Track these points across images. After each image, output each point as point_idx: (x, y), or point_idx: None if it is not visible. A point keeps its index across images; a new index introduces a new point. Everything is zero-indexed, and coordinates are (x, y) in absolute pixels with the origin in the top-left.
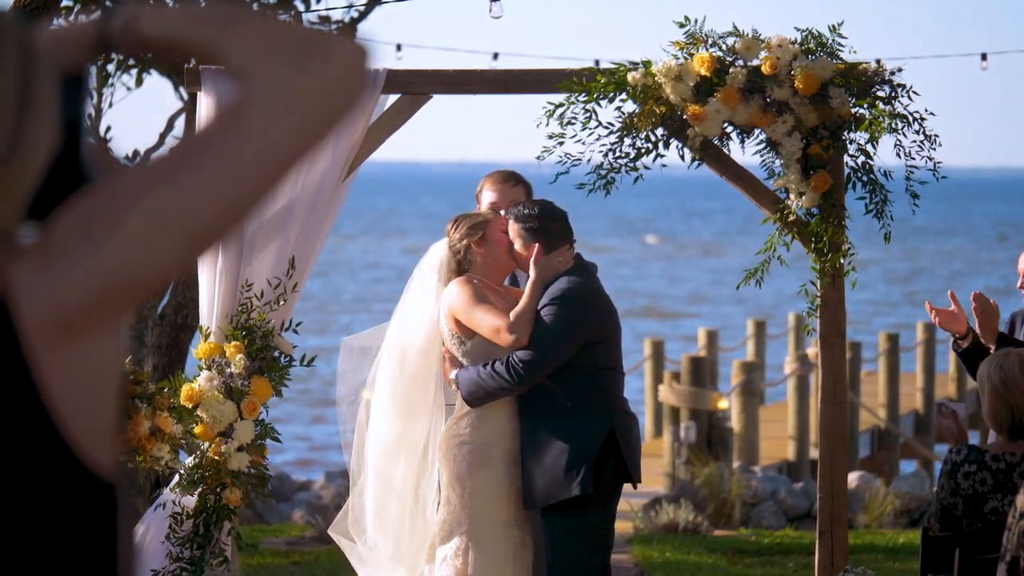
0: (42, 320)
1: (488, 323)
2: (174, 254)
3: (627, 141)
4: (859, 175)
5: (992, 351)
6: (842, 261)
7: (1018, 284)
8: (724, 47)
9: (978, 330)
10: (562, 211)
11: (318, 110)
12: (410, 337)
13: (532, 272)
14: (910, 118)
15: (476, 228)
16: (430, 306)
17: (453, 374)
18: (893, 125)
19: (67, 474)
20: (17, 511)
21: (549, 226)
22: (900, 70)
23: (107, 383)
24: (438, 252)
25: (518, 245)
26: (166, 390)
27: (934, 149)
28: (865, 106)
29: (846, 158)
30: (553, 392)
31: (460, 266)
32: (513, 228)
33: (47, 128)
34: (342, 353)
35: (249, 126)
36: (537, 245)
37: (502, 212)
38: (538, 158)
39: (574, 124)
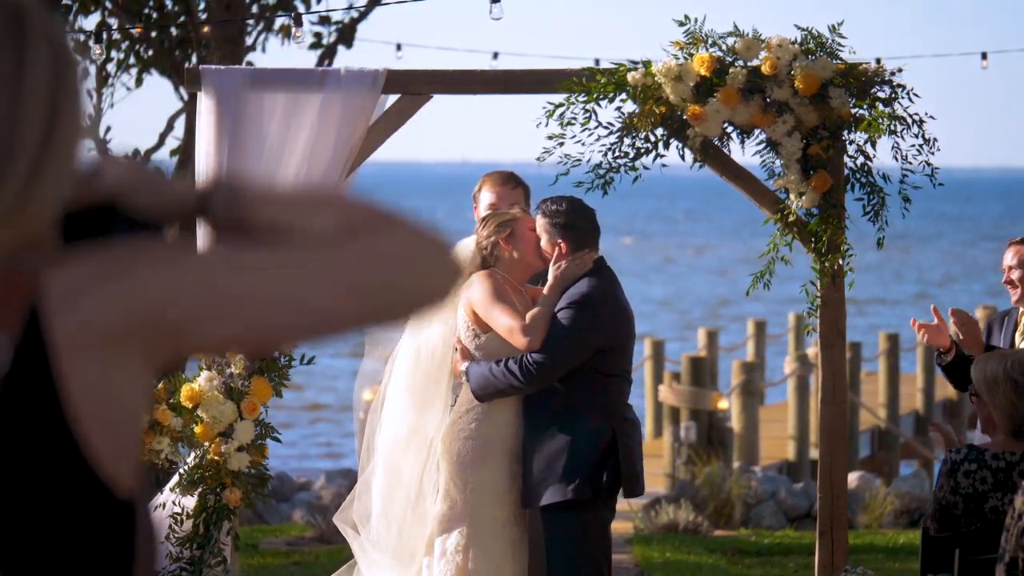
0: (73, 333)
1: (504, 322)
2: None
3: (627, 141)
4: (857, 176)
5: None
6: (841, 262)
7: (1003, 280)
8: (724, 47)
9: (963, 345)
10: (590, 208)
11: (377, 297)
12: (428, 330)
13: (551, 276)
14: (909, 120)
15: (504, 225)
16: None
17: (463, 366)
18: (892, 127)
19: (84, 490)
20: (31, 524)
21: (576, 222)
22: (900, 70)
23: (135, 402)
24: (464, 248)
25: (544, 241)
26: (161, 384)
27: (932, 153)
28: (865, 107)
29: (846, 159)
30: (558, 394)
31: (485, 262)
32: (540, 223)
33: (78, 129)
34: (366, 345)
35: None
36: (561, 244)
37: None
38: (538, 159)
39: (574, 124)
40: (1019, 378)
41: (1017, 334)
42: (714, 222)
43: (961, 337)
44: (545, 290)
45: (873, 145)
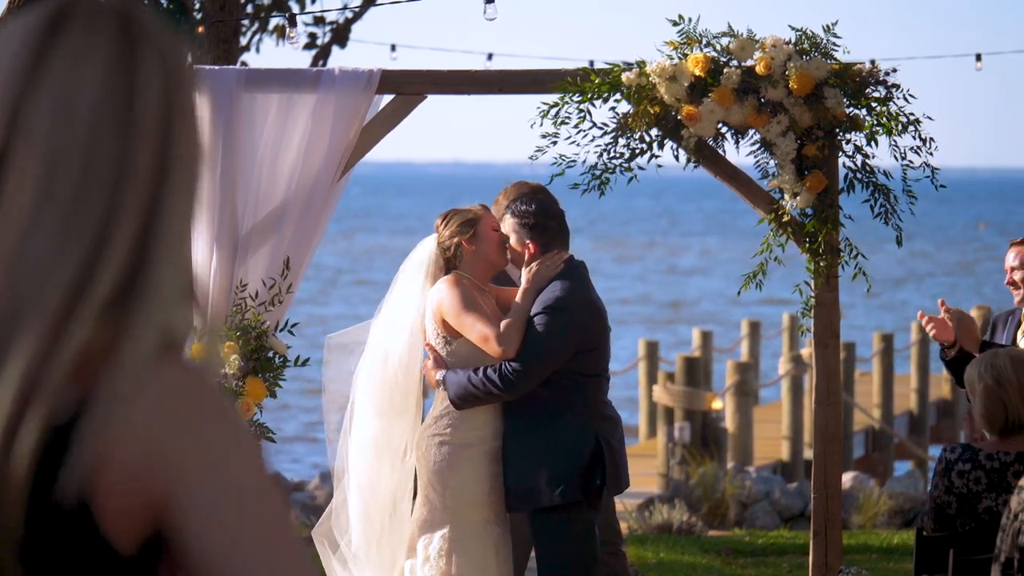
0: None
1: (477, 331)
2: None
3: (621, 142)
4: (857, 176)
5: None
6: (846, 262)
7: (1005, 281)
8: (718, 47)
9: (959, 341)
10: (559, 208)
11: None
12: (394, 336)
13: (524, 279)
14: (906, 120)
15: (467, 225)
16: (415, 305)
17: (440, 375)
18: (891, 127)
19: (87, 551)
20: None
21: (545, 223)
22: (894, 71)
23: None
24: (425, 248)
25: (513, 240)
26: None
27: (931, 154)
28: (862, 108)
29: (843, 159)
30: (539, 396)
31: (448, 263)
32: (509, 223)
33: (195, 185)
34: (326, 351)
35: None
36: (530, 244)
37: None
38: (531, 158)
39: (568, 123)
40: (990, 381)
41: (1019, 333)
42: (685, 223)
43: (958, 332)
44: (518, 296)
45: (874, 144)
